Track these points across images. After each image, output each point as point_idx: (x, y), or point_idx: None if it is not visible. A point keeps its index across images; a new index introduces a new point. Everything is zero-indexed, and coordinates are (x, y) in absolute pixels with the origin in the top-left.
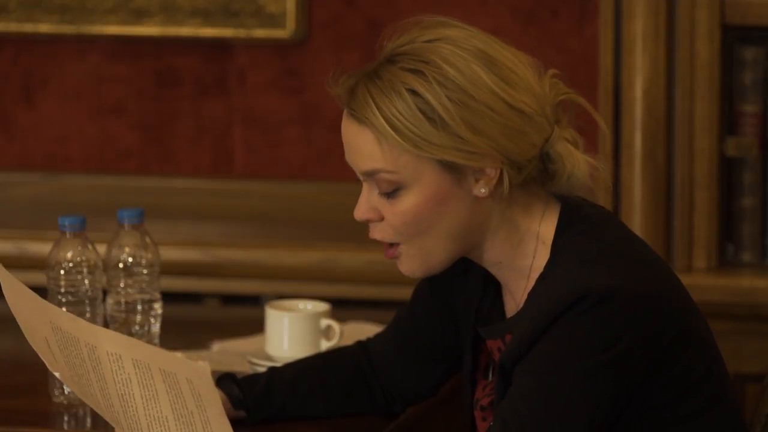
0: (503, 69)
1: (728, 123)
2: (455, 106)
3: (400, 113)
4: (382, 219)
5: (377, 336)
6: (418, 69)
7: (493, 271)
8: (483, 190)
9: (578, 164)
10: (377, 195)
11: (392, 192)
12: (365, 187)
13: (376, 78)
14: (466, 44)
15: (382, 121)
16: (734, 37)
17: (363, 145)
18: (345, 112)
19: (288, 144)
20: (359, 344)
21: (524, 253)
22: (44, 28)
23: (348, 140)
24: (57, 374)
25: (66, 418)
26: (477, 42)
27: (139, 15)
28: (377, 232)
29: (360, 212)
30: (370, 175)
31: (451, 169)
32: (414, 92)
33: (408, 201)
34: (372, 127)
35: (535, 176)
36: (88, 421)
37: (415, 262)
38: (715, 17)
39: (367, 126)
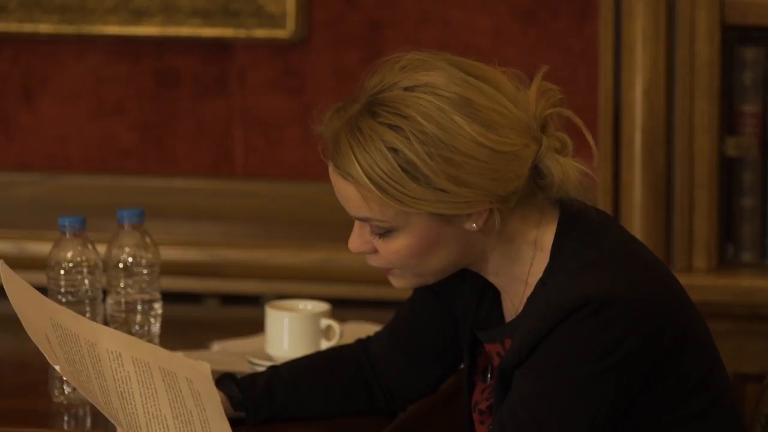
0: (485, 112)
1: (728, 123)
2: (437, 162)
3: (383, 171)
4: (376, 251)
5: (377, 334)
6: (397, 125)
7: (491, 279)
8: (474, 226)
9: (567, 172)
10: (369, 232)
11: (384, 233)
12: (357, 223)
13: (357, 131)
14: (445, 91)
15: (366, 179)
16: (734, 37)
17: (350, 197)
18: (329, 164)
19: (288, 144)
20: (359, 342)
21: (522, 261)
22: (44, 28)
23: (335, 188)
24: (57, 367)
25: (66, 418)
26: (456, 87)
27: (139, 15)
28: (373, 261)
29: (354, 245)
30: (361, 220)
31: (439, 215)
32: (395, 150)
33: (400, 242)
34: (356, 184)
35: (527, 191)
36: (88, 421)
37: (407, 281)
38: (715, 17)
39: (351, 182)
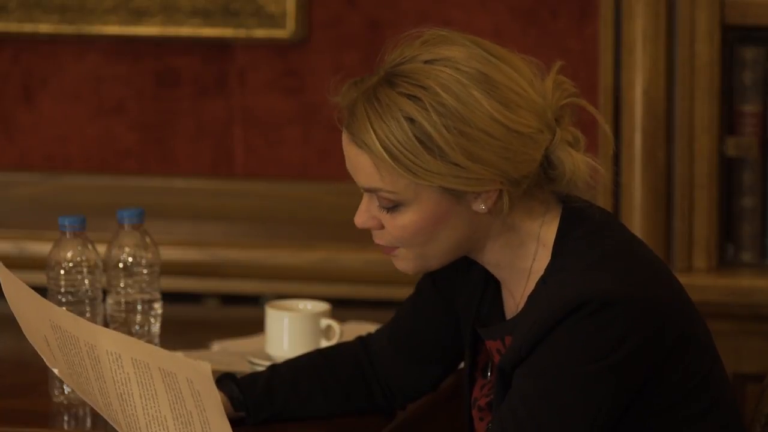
0: (503, 90)
1: (728, 123)
2: (453, 135)
3: (399, 141)
4: (382, 227)
5: (378, 332)
6: (416, 95)
7: (492, 270)
8: (483, 207)
9: (578, 166)
10: (377, 206)
11: (392, 207)
12: (365, 197)
13: (375, 101)
14: (466, 66)
15: (380, 148)
16: (734, 37)
17: (362, 166)
18: (344, 132)
19: (288, 144)
20: (359, 340)
21: (524, 255)
22: (44, 28)
23: (348, 157)
24: (56, 371)
25: (66, 418)
26: (477, 63)
27: (139, 15)
28: (378, 238)
29: (360, 220)
30: (370, 191)
31: (450, 191)
32: (411, 120)
33: (407, 217)
34: (370, 153)
35: (536, 181)
36: (88, 421)
37: (411, 263)
38: (715, 17)
39: (365, 151)
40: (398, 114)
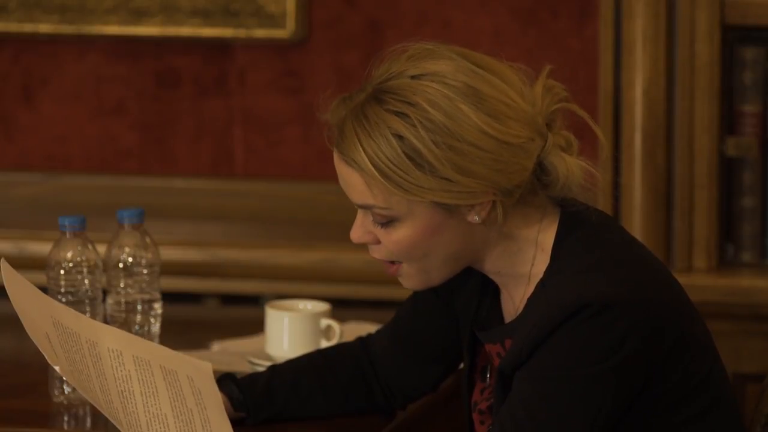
0: (491, 102)
1: (728, 123)
2: (442, 150)
3: (388, 159)
4: (378, 242)
5: (378, 332)
6: (404, 112)
7: (493, 278)
8: (476, 218)
9: (572, 171)
10: (372, 222)
11: (386, 223)
12: (360, 213)
13: (363, 118)
14: (452, 80)
15: (370, 166)
16: (734, 37)
17: (354, 184)
18: (334, 151)
19: (288, 144)
20: (359, 340)
21: (523, 261)
22: (44, 28)
23: (340, 175)
24: (57, 368)
25: (66, 418)
26: (464, 76)
27: (139, 15)
28: (376, 252)
29: (356, 235)
30: (364, 207)
31: (442, 205)
32: (400, 137)
33: (402, 232)
34: (361, 171)
35: (529, 188)
36: (88, 421)
37: (415, 279)
38: (715, 17)
39: (355, 169)
40: (387, 131)
